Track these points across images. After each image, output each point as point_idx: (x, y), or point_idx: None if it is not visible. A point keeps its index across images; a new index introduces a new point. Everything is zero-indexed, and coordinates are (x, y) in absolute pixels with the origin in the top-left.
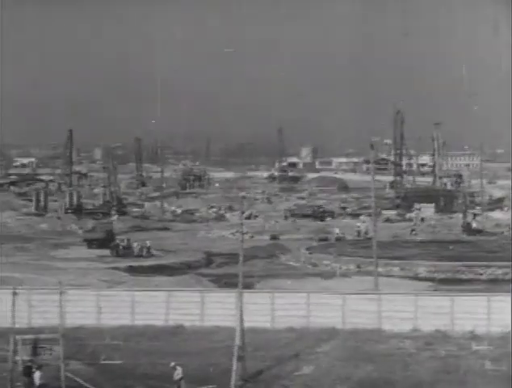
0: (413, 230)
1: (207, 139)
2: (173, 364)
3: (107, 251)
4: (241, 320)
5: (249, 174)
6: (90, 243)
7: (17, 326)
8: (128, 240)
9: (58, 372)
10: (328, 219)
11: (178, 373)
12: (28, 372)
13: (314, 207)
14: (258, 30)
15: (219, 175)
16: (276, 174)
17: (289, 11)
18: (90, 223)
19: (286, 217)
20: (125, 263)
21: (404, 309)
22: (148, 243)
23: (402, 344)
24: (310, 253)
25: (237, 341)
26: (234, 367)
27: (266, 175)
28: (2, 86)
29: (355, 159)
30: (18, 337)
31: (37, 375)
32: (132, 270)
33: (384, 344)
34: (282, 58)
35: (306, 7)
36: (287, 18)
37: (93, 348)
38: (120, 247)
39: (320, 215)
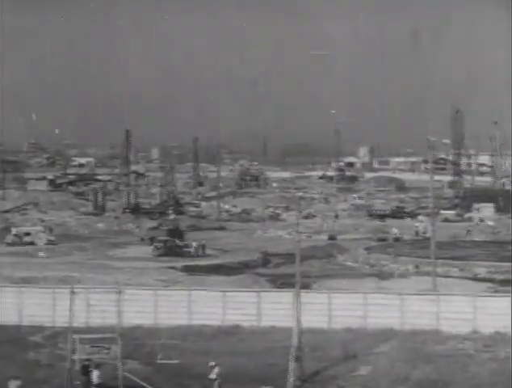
0: (468, 231)
1: (264, 139)
2: (212, 363)
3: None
4: (299, 320)
5: (307, 173)
6: (153, 240)
7: (75, 325)
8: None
9: (115, 371)
10: (407, 219)
11: (215, 372)
12: (86, 371)
13: (394, 206)
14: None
15: (275, 174)
16: (328, 174)
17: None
18: (149, 222)
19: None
20: (182, 262)
21: (463, 311)
22: (203, 242)
23: (461, 346)
24: (368, 253)
25: (294, 341)
26: (291, 367)
27: (319, 174)
28: (61, 86)
29: (414, 159)
30: (76, 336)
31: (95, 374)
32: (188, 269)
33: (443, 345)
34: (341, 57)
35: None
36: (352, 19)
37: (150, 348)
38: (168, 245)
39: (399, 215)
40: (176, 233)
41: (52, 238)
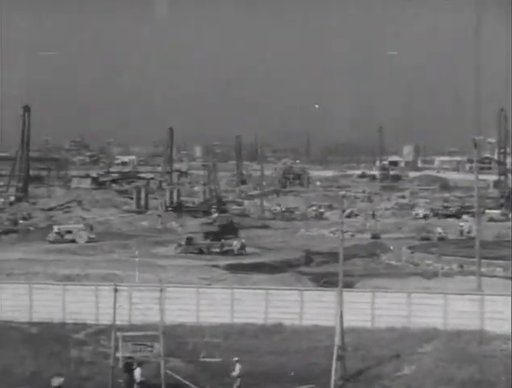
0: None
1: (307, 137)
2: (236, 359)
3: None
4: (341, 319)
5: (350, 172)
6: (207, 235)
7: (118, 323)
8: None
9: (158, 369)
10: (464, 216)
11: (237, 369)
12: (129, 368)
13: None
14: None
15: (319, 173)
16: (368, 172)
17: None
18: (192, 220)
19: (425, 216)
20: (225, 260)
21: (508, 311)
22: (242, 240)
23: (505, 346)
24: (412, 252)
25: (337, 340)
26: (334, 366)
27: (359, 172)
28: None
29: (458, 158)
30: (119, 334)
31: (137, 372)
32: (231, 268)
33: (487, 346)
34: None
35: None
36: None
37: (192, 346)
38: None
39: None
40: (229, 229)
41: (93, 236)
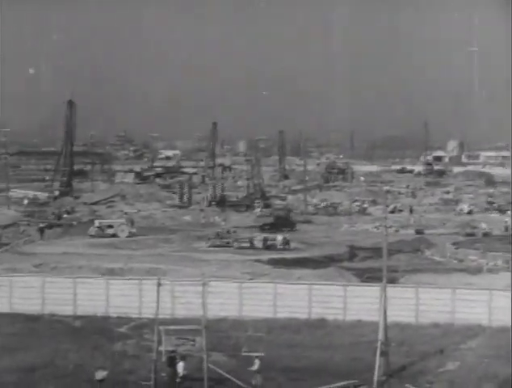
0: None
1: (351, 132)
2: (256, 354)
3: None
4: (385, 315)
5: (394, 167)
6: (263, 227)
7: (161, 316)
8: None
9: (201, 363)
10: (509, 212)
11: (256, 364)
12: (172, 362)
13: None
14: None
15: (362, 168)
16: (408, 167)
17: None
18: (235, 215)
19: (470, 212)
20: (268, 255)
21: None
22: (286, 236)
23: None
24: (456, 248)
25: (380, 336)
26: (377, 362)
27: (398, 167)
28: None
29: (504, 153)
30: (161, 327)
31: (180, 365)
32: (274, 262)
33: None
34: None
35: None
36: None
37: (235, 340)
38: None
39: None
40: (285, 221)
41: (134, 231)
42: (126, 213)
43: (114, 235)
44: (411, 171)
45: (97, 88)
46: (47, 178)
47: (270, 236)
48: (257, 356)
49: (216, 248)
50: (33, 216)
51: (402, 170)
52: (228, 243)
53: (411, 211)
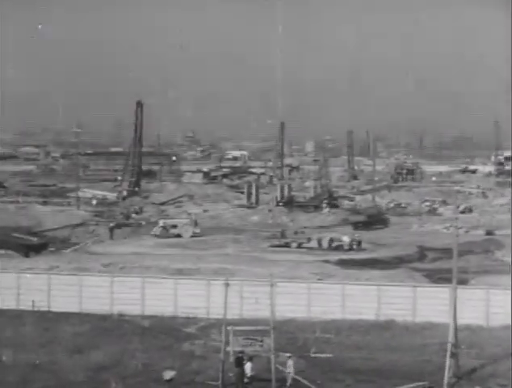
0: None
1: (421, 132)
2: (288, 354)
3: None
4: (455, 317)
5: (464, 167)
6: (355, 225)
7: (229, 317)
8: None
9: (268, 364)
10: None
11: (290, 365)
12: (240, 363)
13: None
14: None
15: (432, 168)
16: (470, 167)
17: None
18: (303, 215)
19: None
20: (336, 256)
21: None
22: (358, 237)
23: None
24: None
25: (450, 338)
26: (447, 364)
27: (462, 167)
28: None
29: None
30: (229, 328)
31: (248, 366)
32: (343, 263)
33: None
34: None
35: None
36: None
37: (303, 341)
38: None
39: None
40: (378, 219)
41: (198, 231)
42: (190, 214)
43: (178, 235)
44: (474, 171)
45: (165, 89)
46: (119, 178)
47: (338, 237)
48: (290, 357)
49: (284, 248)
50: (102, 216)
51: (465, 170)
52: (296, 244)
53: (470, 210)
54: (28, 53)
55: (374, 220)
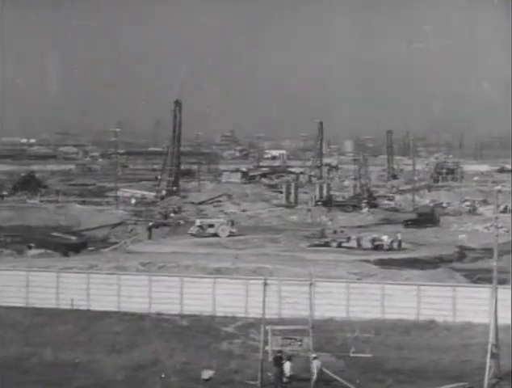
0: None
1: (461, 131)
2: (314, 355)
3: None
4: (496, 317)
5: (505, 167)
6: (406, 223)
7: (267, 316)
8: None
9: (307, 363)
10: None
11: (316, 366)
12: (278, 362)
13: None
14: None
15: (472, 167)
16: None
17: None
18: (342, 215)
19: None
20: (375, 255)
21: None
22: (399, 236)
23: None
24: None
25: (491, 338)
26: (488, 364)
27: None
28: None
29: None
30: (268, 327)
31: (287, 365)
32: (382, 263)
33: None
34: None
35: None
36: None
37: (342, 341)
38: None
39: None
40: (429, 217)
41: (234, 230)
42: (226, 213)
43: (215, 234)
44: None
45: (203, 88)
46: (159, 177)
47: (378, 236)
48: (315, 357)
49: (323, 248)
50: (140, 215)
51: (502, 170)
52: (334, 243)
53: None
54: (68, 54)
55: (425, 218)
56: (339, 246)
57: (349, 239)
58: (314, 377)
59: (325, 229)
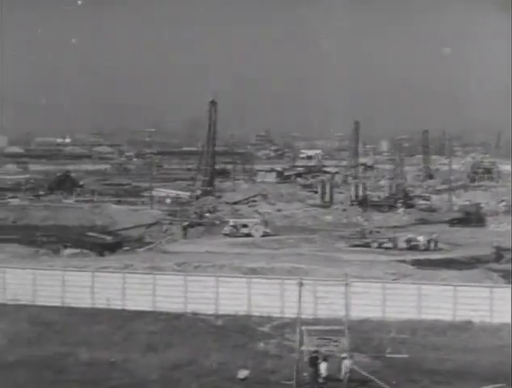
0: None
1: (498, 131)
2: (344, 355)
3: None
4: None
5: None
6: (451, 222)
7: (303, 316)
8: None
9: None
10: None
11: (346, 366)
12: (314, 363)
13: None
14: None
15: (509, 167)
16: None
17: None
18: (377, 215)
19: None
20: (412, 256)
21: None
22: (435, 237)
23: None
24: None
25: None
26: None
27: None
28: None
29: None
30: (304, 328)
31: (323, 366)
32: (419, 263)
33: None
34: None
35: None
36: None
37: (378, 341)
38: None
39: None
40: (475, 216)
41: (268, 231)
42: (260, 213)
43: (248, 234)
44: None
45: (238, 88)
46: (193, 177)
47: (414, 236)
48: (344, 357)
49: (359, 248)
50: (175, 215)
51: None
52: (370, 243)
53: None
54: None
55: (470, 217)
56: (380, 246)
57: (389, 240)
58: (345, 376)
59: (364, 230)
